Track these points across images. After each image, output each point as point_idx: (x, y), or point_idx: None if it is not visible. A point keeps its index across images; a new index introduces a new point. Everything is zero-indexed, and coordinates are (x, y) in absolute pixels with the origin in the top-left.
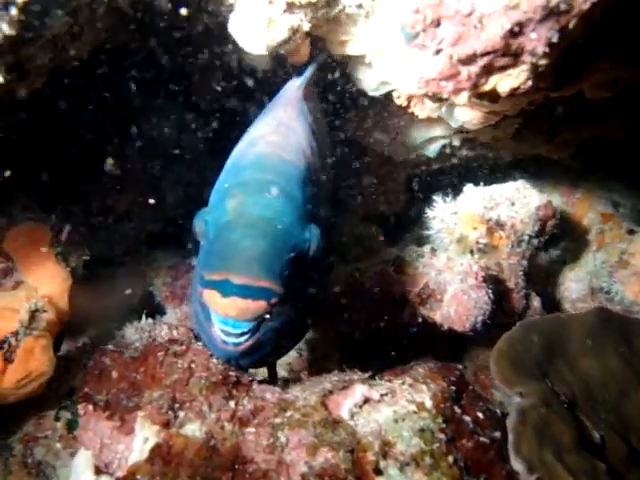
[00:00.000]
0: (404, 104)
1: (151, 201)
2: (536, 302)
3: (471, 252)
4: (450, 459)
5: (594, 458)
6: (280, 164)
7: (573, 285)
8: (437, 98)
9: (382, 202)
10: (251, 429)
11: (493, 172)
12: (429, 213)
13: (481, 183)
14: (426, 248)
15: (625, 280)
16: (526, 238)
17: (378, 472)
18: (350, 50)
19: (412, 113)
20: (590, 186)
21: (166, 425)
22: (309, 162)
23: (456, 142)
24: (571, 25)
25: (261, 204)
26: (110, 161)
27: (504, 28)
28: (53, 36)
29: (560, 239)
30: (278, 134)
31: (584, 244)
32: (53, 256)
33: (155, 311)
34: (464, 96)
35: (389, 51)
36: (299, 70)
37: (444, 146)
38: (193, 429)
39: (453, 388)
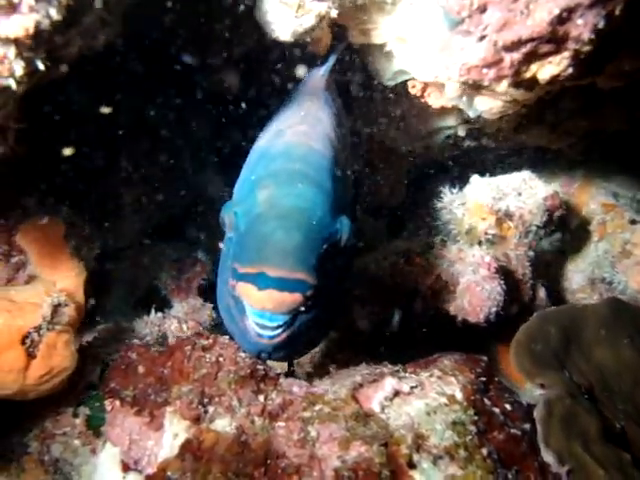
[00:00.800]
0: (418, 94)
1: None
2: (542, 293)
3: (479, 243)
4: (484, 452)
5: (619, 449)
6: (309, 154)
7: (574, 276)
8: (475, 86)
9: (385, 193)
10: (281, 423)
11: (495, 163)
12: (437, 204)
13: (487, 174)
14: (436, 239)
15: (628, 270)
16: (534, 229)
17: (412, 466)
18: (372, 39)
19: (425, 103)
20: (589, 176)
21: (196, 420)
22: (335, 152)
23: (461, 133)
24: (617, 11)
25: (293, 195)
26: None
27: (552, 13)
28: (90, 22)
29: (561, 229)
30: (306, 124)
31: (585, 234)
32: (67, 250)
33: (161, 305)
34: (504, 84)
35: (414, 39)
36: (321, 59)
37: (448, 137)
38: (223, 424)
39: (481, 380)
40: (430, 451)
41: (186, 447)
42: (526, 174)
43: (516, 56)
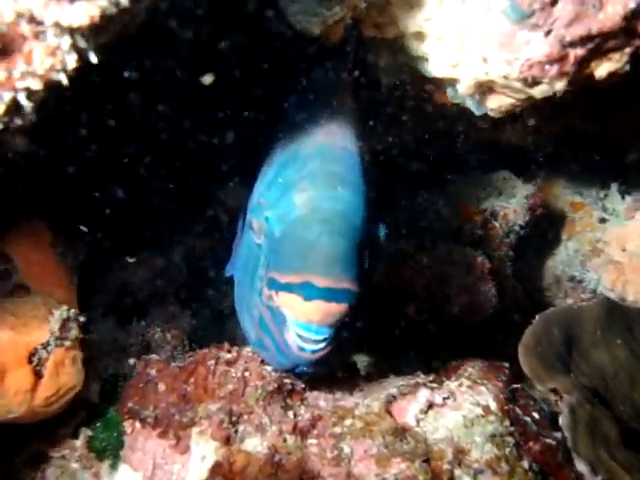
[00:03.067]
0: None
1: None
2: (521, 292)
3: (466, 243)
4: (525, 464)
5: (636, 452)
6: (344, 155)
7: (544, 274)
8: (532, 82)
9: None
10: (313, 440)
11: (473, 162)
12: (422, 204)
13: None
14: (426, 240)
15: (600, 268)
16: (516, 228)
17: None
18: (388, 33)
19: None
20: (553, 175)
21: (226, 441)
22: (363, 152)
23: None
24: None
25: (334, 198)
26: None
27: (627, 8)
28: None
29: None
30: (336, 123)
31: (554, 233)
32: (55, 258)
33: (135, 312)
34: (564, 81)
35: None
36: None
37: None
38: (254, 444)
39: (509, 388)
40: (471, 466)
41: (216, 470)
42: (506, 173)
43: (580, 52)
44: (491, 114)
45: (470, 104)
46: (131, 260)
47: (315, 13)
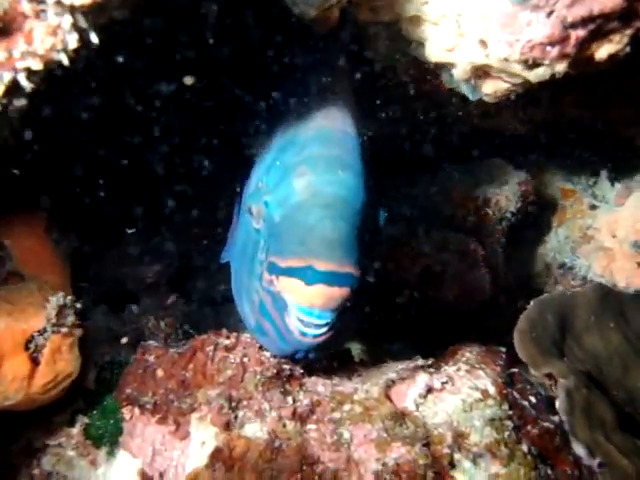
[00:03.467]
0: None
1: None
2: (512, 278)
3: (459, 230)
4: (524, 448)
5: (632, 436)
6: (344, 138)
7: (534, 261)
8: (532, 64)
9: None
10: (312, 426)
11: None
12: (414, 191)
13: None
14: (419, 228)
15: (590, 255)
16: (508, 215)
17: (452, 465)
18: (383, 16)
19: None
20: (543, 162)
21: (226, 426)
22: (361, 135)
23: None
24: None
25: (335, 182)
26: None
27: None
28: None
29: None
30: (335, 107)
31: (544, 220)
32: (50, 244)
33: (126, 299)
34: (565, 63)
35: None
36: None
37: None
38: (254, 429)
39: (506, 372)
40: (470, 449)
41: (216, 456)
42: (498, 160)
43: (581, 33)
44: (486, 99)
45: (465, 89)
46: (130, 231)
47: None
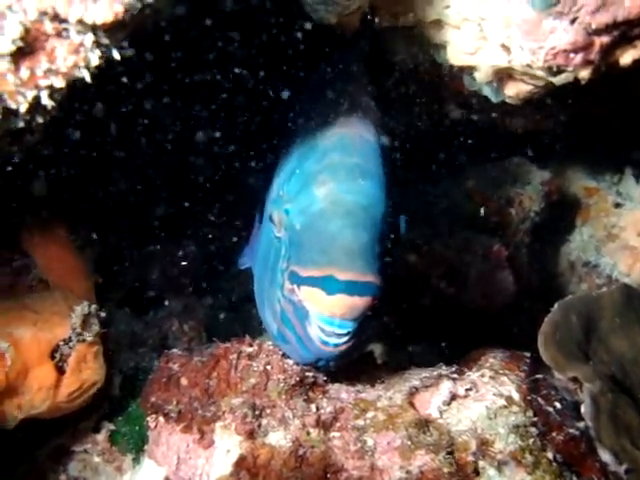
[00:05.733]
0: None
1: None
2: (535, 279)
3: (482, 230)
4: (549, 455)
5: None
6: (365, 146)
7: (559, 259)
8: (556, 71)
9: None
10: (335, 433)
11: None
12: (437, 192)
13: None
14: (442, 229)
15: (616, 254)
16: (532, 215)
17: (477, 473)
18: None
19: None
20: (570, 160)
21: (250, 435)
22: (382, 141)
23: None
24: None
25: (355, 191)
26: None
27: None
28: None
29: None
30: (355, 114)
31: (568, 218)
32: (73, 251)
33: (149, 303)
34: (589, 69)
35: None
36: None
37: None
38: (278, 437)
39: (531, 378)
40: (495, 457)
41: (240, 464)
42: (519, 160)
43: (606, 40)
44: (509, 101)
45: (487, 91)
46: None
47: (333, 3)
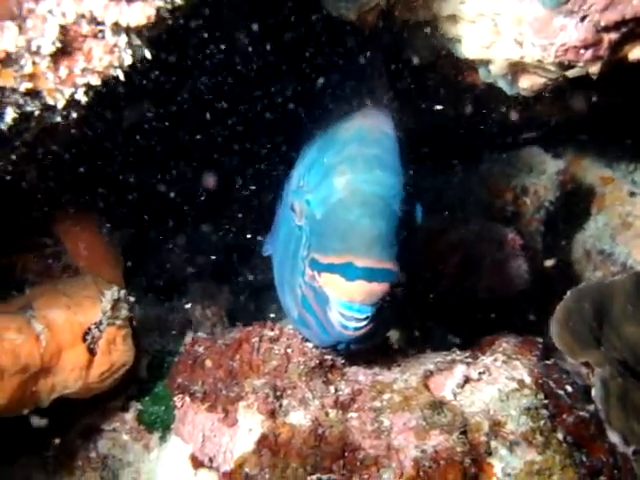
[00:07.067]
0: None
1: None
2: (551, 266)
3: (497, 219)
4: (560, 436)
5: None
6: (383, 137)
7: (574, 247)
8: (566, 66)
9: None
10: (353, 414)
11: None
12: (452, 181)
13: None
14: (458, 217)
15: (630, 242)
16: (547, 204)
17: (489, 453)
18: (420, 16)
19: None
20: (582, 150)
21: (271, 414)
22: (399, 132)
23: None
24: None
25: (373, 181)
26: None
27: None
28: None
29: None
30: (373, 105)
31: (583, 207)
32: (102, 238)
33: (173, 289)
34: (599, 65)
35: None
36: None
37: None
38: (298, 417)
39: (543, 362)
40: (507, 437)
41: (262, 442)
42: (534, 149)
43: (614, 36)
44: (523, 93)
45: (502, 84)
46: None
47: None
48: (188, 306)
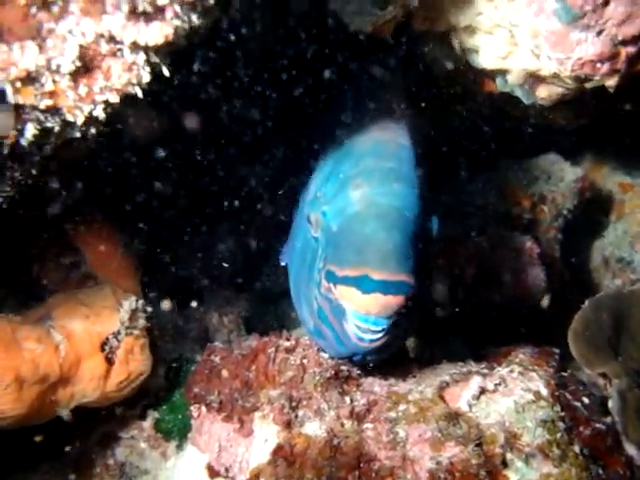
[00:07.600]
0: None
1: None
2: (568, 275)
3: (514, 227)
4: (576, 449)
5: None
6: (399, 150)
7: (593, 255)
8: (583, 79)
9: None
10: (369, 425)
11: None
12: (469, 189)
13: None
14: (475, 226)
15: None
16: (565, 212)
17: (505, 465)
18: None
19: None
20: (601, 157)
21: (287, 425)
22: (416, 145)
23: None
24: None
25: (389, 194)
26: None
27: None
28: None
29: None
30: (389, 117)
31: (602, 214)
32: (120, 248)
33: (190, 296)
34: (616, 78)
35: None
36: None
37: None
38: (313, 428)
39: (559, 374)
40: (522, 450)
41: (278, 452)
42: (552, 156)
43: (632, 50)
44: (540, 102)
45: (520, 93)
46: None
47: (369, 13)
48: (204, 314)
